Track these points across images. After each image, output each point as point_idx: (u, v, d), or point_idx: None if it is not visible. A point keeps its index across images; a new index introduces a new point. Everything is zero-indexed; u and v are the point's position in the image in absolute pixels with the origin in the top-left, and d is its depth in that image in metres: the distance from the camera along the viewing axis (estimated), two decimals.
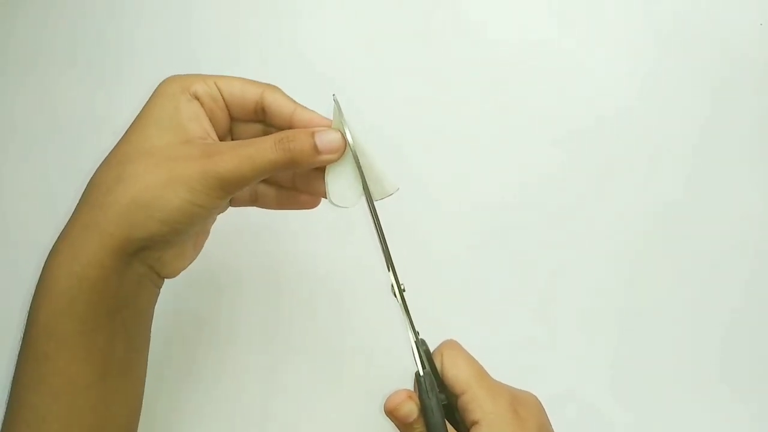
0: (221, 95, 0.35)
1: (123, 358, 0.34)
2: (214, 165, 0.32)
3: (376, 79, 0.55)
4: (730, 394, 0.50)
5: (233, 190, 0.33)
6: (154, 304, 0.37)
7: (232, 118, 0.37)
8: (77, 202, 0.34)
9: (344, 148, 0.36)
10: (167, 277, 0.37)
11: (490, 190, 0.54)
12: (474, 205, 0.54)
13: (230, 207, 0.39)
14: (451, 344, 0.37)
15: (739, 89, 0.54)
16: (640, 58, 0.55)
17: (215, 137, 0.36)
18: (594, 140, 0.54)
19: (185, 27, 0.56)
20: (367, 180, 0.36)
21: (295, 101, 0.36)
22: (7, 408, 0.33)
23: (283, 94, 0.36)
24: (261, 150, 0.33)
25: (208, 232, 0.39)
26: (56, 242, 0.33)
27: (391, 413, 0.35)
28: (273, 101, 0.36)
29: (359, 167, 0.36)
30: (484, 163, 0.54)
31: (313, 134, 0.34)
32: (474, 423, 0.34)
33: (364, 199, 0.37)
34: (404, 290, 0.36)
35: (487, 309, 0.52)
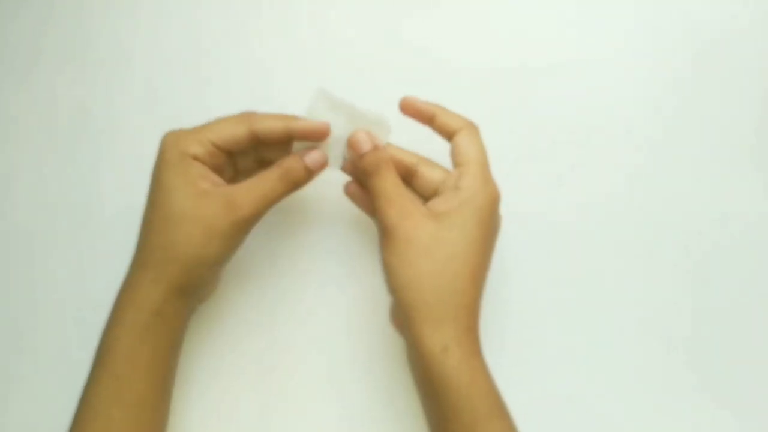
0: (216, 147, 0.41)
1: (170, 378, 0.42)
2: (237, 215, 0.40)
3: (376, 90, 0.54)
4: (733, 396, 0.50)
5: (254, 224, 0.42)
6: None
7: (231, 154, 0.43)
8: (135, 248, 0.42)
9: (326, 162, 0.43)
10: (200, 304, 0.46)
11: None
12: None
13: None
14: (475, 127, 0.43)
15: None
16: (650, 70, 0.54)
17: (223, 182, 0.42)
18: (600, 144, 0.54)
19: (186, 25, 0.56)
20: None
21: (282, 116, 0.42)
22: (77, 417, 0.39)
23: (269, 117, 0.42)
24: (271, 188, 0.41)
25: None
26: (126, 292, 0.41)
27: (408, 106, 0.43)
28: (263, 130, 0.41)
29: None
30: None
31: (303, 160, 0.42)
32: (459, 182, 0.41)
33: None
34: None
35: (489, 310, 0.52)
